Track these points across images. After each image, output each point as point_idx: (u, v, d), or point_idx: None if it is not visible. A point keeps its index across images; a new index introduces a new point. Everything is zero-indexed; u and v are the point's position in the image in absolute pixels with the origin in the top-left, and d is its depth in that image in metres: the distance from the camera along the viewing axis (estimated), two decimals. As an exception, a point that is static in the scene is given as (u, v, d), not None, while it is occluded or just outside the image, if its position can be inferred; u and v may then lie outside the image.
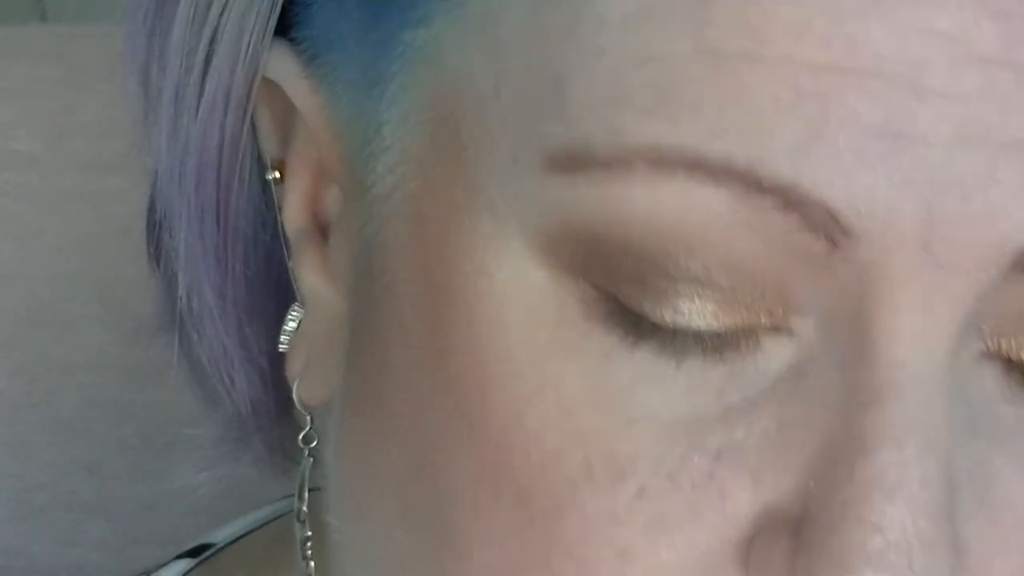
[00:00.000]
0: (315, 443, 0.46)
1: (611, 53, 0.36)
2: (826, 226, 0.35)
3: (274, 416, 0.49)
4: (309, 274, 0.45)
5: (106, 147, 0.71)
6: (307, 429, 0.46)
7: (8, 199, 0.71)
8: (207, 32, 0.44)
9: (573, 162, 0.37)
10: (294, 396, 0.46)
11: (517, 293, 0.38)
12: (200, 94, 0.45)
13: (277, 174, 0.45)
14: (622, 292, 0.37)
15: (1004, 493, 0.38)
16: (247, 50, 0.44)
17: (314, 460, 0.46)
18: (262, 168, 0.46)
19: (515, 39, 0.38)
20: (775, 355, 0.38)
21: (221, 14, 0.44)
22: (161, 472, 0.56)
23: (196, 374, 0.50)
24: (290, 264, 0.45)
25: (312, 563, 0.47)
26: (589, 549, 0.38)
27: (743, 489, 0.37)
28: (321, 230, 0.45)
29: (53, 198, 0.72)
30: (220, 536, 0.57)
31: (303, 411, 0.46)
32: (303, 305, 0.45)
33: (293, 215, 0.45)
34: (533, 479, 0.38)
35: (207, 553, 0.56)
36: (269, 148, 0.46)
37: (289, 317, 0.46)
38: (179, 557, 0.56)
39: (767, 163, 0.35)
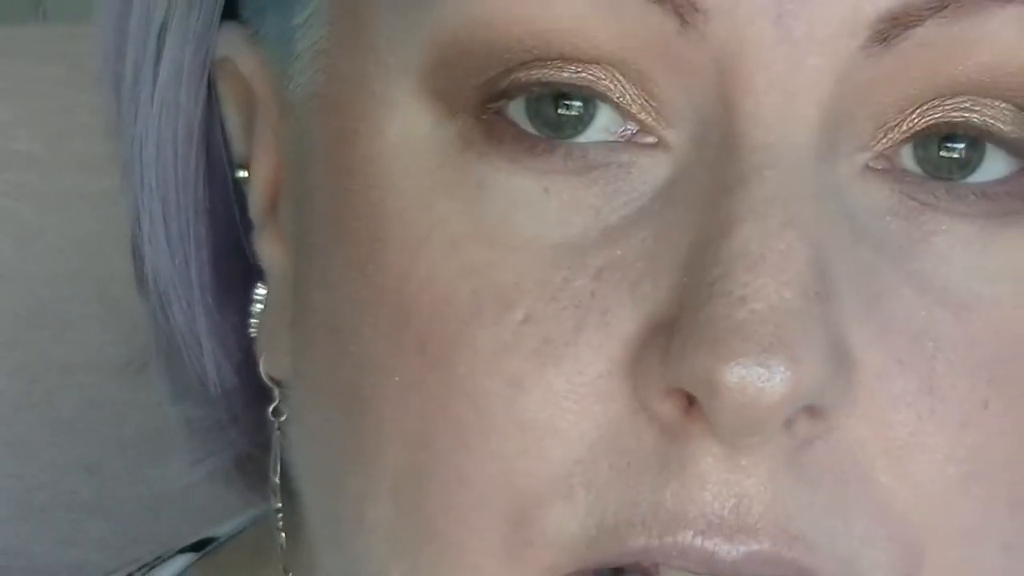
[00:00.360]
0: (284, 417, 0.46)
1: None
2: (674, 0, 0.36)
3: (249, 403, 0.49)
4: (267, 246, 0.45)
5: (106, 147, 0.71)
6: (275, 403, 0.46)
7: (8, 199, 0.71)
8: (159, 13, 0.45)
9: None
10: (261, 371, 0.46)
11: (406, 144, 0.39)
12: (155, 76, 0.46)
13: (245, 173, 0.46)
14: (492, 100, 0.38)
15: (896, 308, 0.38)
16: (196, 29, 0.45)
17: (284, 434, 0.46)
18: (231, 164, 0.47)
19: None
20: (652, 172, 0.38)
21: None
22: (161, 472, 0.56)
23: (170, 362, 0.50)
24: (255, 244, 0.46)
25: (284, 534, 0.47)
26: (481, 383, 0.38)
27: (623, 304, 0.38)
28: (277, 197, 0.46)
29: (53, 198, 0.71)
30: (223, 530, 0.57)
31: (269, 383, 0.46)
32: (266, 281, 0.46)
33: (258, 201, 0.45)
34: (429, 322, 0.39)
35: (209, 548, 0.56)
36: (238, 148, 0.46)
37: (255, 297, 0.46)
38: (182, 551, 0.56)
39: None
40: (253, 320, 0.46)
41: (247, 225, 0.46)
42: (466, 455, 0.38)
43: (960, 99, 0.38)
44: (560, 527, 0.38)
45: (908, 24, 0.36)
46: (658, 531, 0.37)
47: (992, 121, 0.38)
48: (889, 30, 0.36)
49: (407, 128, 0.39)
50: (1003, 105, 0.38)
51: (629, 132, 0.38)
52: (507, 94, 0.38)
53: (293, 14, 0.42)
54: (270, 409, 0.46)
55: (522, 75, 0.38)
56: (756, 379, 0.35)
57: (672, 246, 0.38)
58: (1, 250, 0.71)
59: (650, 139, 0.38)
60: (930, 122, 0.38)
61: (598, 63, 0.37)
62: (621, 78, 0.38)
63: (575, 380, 0.38)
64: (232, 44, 0.45)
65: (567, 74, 0.38)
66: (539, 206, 0.38)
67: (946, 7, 0.36)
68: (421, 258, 0.39)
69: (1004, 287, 0.39)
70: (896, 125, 0.38)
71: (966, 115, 0.38)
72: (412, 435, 0.39)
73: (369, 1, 0.40)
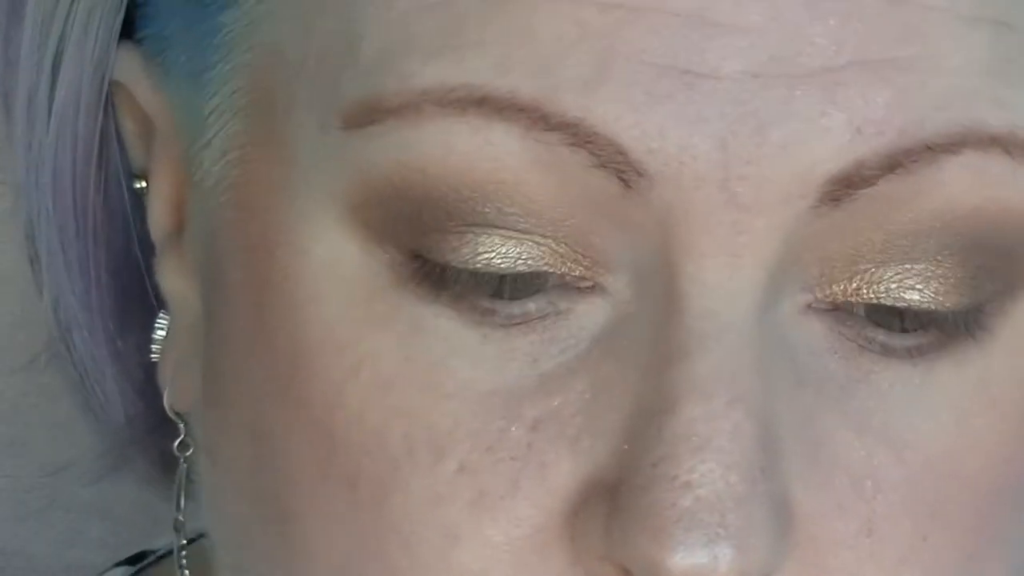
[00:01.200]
0: (191, 451, 0.45)
1: (400, 3, 0.36)
2: (617, 164, 0.35)
3: (152, 428, 0.48)
4: (170, 277, 0.44)
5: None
6: (181, 436, 0.45)
7: (7, 199, 0.71)
8: (54, 37, 0.43)
9: (366, 115, 0.36)
10: (164, 403, 0.45)
11: (332, 268, 0.38)
12: (51, 100, 0.44)
13: (144, 183, 0.44)
14: (427, 249, 0.37)
15: (837, 453, 0.37)
16: (93, 53, 0.43)
17: (190, 467, 0.45)
18: (128, 176, 0.45)
19: (318, 3, 0.38)
20: (589, 317, 0.37)
21: (66, 19, 0.43)
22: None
23: (78, 385, 0.50)
24: (155, 270, 0.44)
25: (187, 572, 0.46)
26: (415, 530, 0.37)
27: (562, 459, 0.37)
28: (181, 226, 0.44)
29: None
30: (160, 544, 0.56)
31: (174, 418, 0.45)
32: (168, 310, 0.44)
33: (158, 220, 0.44)
34: (359, 460, 0.38)
35: (145, 561, 0.56)
36: (135, 156, 0.44)
37: (157, 325, 0.45)
38: (117, 565, 0.56)
39: (553, 98, 0.35)
40: (155, 346, 0.45)
41: (146, 245, 0.45)
42: None
43: (907, 270, 0.37)
44: None
45: (860, 185, 0.35)
46: None
47: (934, 295, 0.37)
48: (840, 191, 0.35)
49: (333, 251, 0.38)
50: (949, 265, 0.37)
51: (568, 278, 0.37)
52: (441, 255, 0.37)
53: (203, 97, 0.41)
54: (175, 444, 0.45)
55: (455, 236, 0.36)
56: (702, 569, 0.35)
57: (612, 405, 0.36)
58: (1, 249, 0.71)
59: (587, 283, 0.37)
60: (871, 300, 0.37)
61: (537, 232, 0.36)
62: (562, 244, 0.36)
63: (512, 533, 0.37)
64: (129, 71, 0.43)
65: (504, 262, 0.36)
66: (476, 352, 0.37)
67: (899, 166, 0.35)
68: (349, 394, 0.37)
69: (943, 420, 0.38)
70: (840, 286, 0.37)
71: (909, 293, 0.37)
72: (340, 563, 0.38)
73: (290, 107, 0.38)
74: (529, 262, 0.36)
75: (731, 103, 0.35)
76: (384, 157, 0.36)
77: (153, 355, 0.45)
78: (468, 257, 0.36)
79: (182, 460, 0.45)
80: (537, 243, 0.36)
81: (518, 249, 0.36)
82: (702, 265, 0.36)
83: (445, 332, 0.37)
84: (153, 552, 0.56)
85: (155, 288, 0.45)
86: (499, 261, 0.36)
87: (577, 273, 0.36)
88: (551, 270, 0.36)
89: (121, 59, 0.43)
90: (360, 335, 0.38)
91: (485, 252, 0.36)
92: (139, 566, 0.56)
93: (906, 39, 0.35)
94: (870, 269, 0.37)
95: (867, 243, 0.37)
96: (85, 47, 0.43)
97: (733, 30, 0.34)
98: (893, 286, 0.37)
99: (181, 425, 0.45)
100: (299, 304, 0.38)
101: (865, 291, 0.37)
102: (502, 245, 0.36)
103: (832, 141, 0.35)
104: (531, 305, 0.37)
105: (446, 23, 0.35)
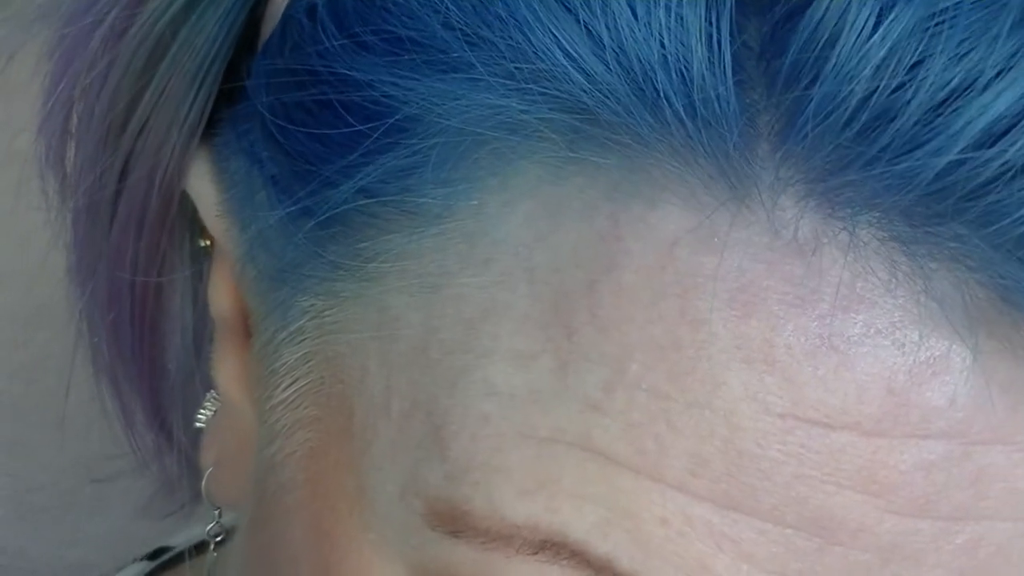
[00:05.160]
0: (220, 537, 0.45)
1: (494, 423, 0.34)
2: None
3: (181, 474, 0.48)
4: (227, 379, 0.43)
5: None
6: (214, 523, 0.45)
7: (8, 197, 0.71)
8: (120, 155, 0.42)
9: (454, 523, 0.35)
10: (202, 487, 0.44)
11: None
12: (113, 214, 0.43)
13: (208, 242, 0.43)
14: None
15: None
16: (163, 177, 0.42)
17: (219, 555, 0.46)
18: (192, 239, 0.44)
19: (405, 359, 0.36)
20: None
21: (138, 136, 0.42)
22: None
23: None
24: (212, 350, 0.43)
25: None
26: None
27: None
28: (245, 330, 0.43)
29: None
30: (178, 540, 0.56)
31: (210, 504, 0.44)
32: (219, 399, 0.44)
33: (218, 297, 0.43)
34: None
35: (164, 556, 0.56)
36: (200, 216, 0.43)
37: (207, 400, 0.44)
38: (136, 561, 0.56)
39: None
40: (201, 415, 0.44)
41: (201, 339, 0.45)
42: None
43: None
44: None
45: None
46: None
47: None
48: None
49: None
50: None
51: None
52: None
53: (279, 327, 0.39)
54: (207, 529, 0.45)
55: None
56: None
57: None
58: (1, 249, 0.71)
59: None
60: None
61: None
62: None
63: None
64: (200, 194, 0.41)
65: None
66: None
67: None
68: None
69: None
70: None
71: None
72: None
73: (371, 455, 0.37)
74: None
75: None
76: (469, 567, 0.35)
77: (198, 423, 0.44)
78: None
79: (212, 547, 0.45)
80: None
81: None
82: None
83: None
84: (170, 548, 0.56)
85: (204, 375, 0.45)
86: None
87: None
88: None
89: (195, 174, 0.42)
90: None
91: None
92: (157, 562, 0.56)
93: None
94: None
95: None
96: (156, 172, 0.42)
97: (852, 548, 0.33)
98: None
99: (217, 512, 0.44)
100: None
101: None
102: None
103: None
104: None
105: (543, 465, 0.34)
